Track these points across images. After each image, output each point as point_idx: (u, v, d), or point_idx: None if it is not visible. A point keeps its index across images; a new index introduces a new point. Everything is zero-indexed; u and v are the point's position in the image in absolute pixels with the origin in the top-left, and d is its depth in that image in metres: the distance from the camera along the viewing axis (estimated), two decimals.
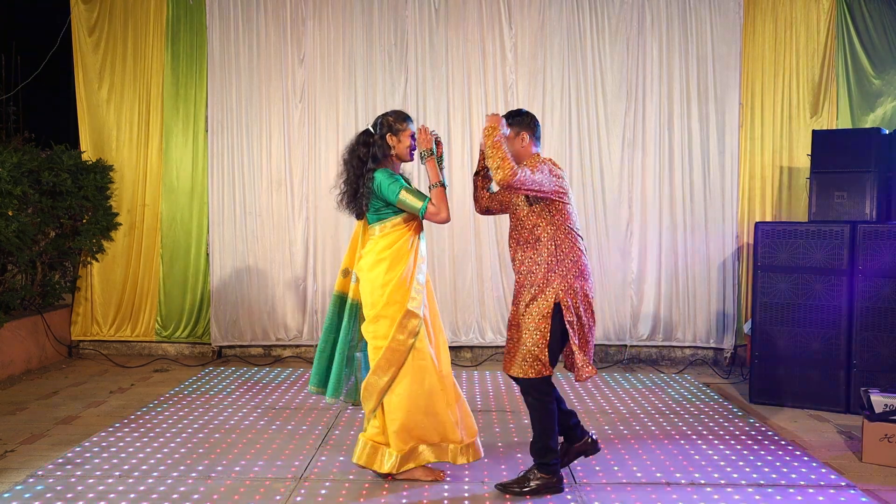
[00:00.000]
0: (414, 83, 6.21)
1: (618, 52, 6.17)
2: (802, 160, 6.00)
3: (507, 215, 3.53)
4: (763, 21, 6.12)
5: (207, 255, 6.34)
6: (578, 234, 3.38)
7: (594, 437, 3.61)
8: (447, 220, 3.40)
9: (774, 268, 4.88)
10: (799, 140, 6.07)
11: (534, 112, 6.18)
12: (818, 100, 6.09)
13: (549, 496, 3.38)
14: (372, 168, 3.41)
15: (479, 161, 3.63)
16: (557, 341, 3.32)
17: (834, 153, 5.09)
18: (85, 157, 6.31)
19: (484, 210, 3.70)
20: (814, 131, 5.30)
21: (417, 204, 3.34)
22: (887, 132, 5.22)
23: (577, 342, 3.29)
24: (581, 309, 3.31)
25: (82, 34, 6.36)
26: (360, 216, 3.51)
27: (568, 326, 3.28)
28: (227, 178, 6.29)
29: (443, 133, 6.20)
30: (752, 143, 6.14)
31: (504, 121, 3.34)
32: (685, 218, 6.15)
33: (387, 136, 3.45)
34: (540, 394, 3.35)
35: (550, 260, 3.30)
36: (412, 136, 3.47)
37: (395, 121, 3.47)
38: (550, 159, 3.43)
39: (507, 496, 3.38)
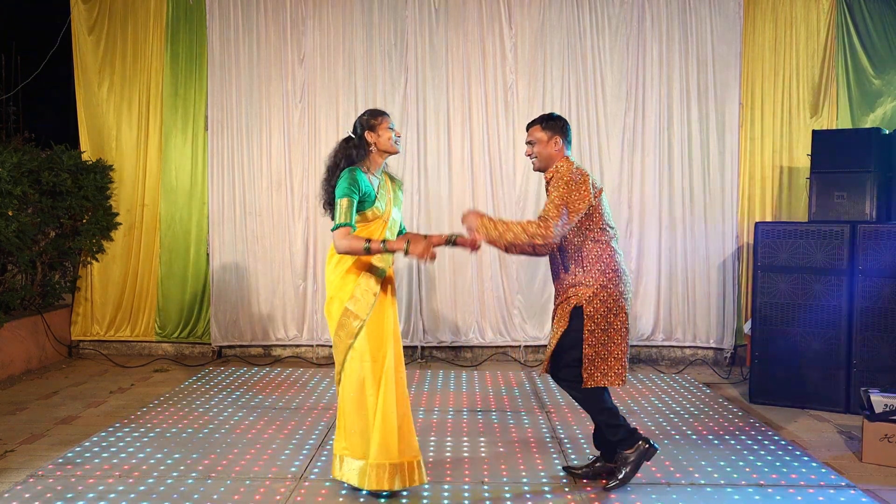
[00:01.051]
0: (414, 83, 6.21)
1: (618, 52, 6.17)
2: (802, 160, 6.00)
3: None
4: (763, 21, 6.12)
5: (207, 254, 6.34)
6: (611, 235, 3.36)
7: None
8: (338, 250, 3.26)
9: (774, 268, 4.88)
10: (799, 140, 6.07)
11: (534, 112, 6.24)
12: (818, 100, 6.09)
13: (647, 462, 3.45)
14: (343, 167, 3.37)
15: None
16: (577, 347, 3.32)
17: (834, 153, 5.09)
18: (85, 157, 6.32)
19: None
20: (814, 131, 5.30)
21: (337, 219, 3.25)
22: (887, 132, 5.21)
23: (588, 352, 3.29)
24: (610, 315, 3.30)
25: (82, 34, 6.36)
26: None
27: (587, 334, 3.29)
28: (227, 178, 6.29)
29: (442, 133, 6.21)
30: (752, 143, 6.14)
31: (480, 218, 3.25)
32: (685, 218, 6.15)
33: (365, 133, 3.41)
34: (582, 389, 3.33)
35: (577, 270, 3.32)
36: (390, 128, 3.43)
37: (369, 118, 3.42)
38: (578, 168, 3.35)
39: (610, 493, 3.40)
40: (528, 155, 3.48)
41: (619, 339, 3.32)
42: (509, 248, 3.25)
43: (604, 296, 3.29)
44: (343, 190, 3.27)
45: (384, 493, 3.35)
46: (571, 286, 3.34)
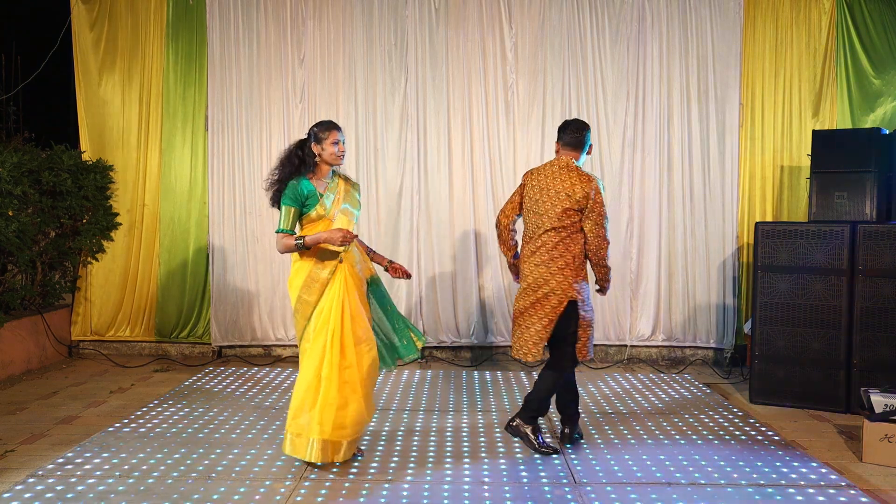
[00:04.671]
0: (414, 83, 6.21)
1: (618, 52, 6.17)
2: (802, 160, 6.01)
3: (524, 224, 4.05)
4: (763, 21, 6.12)
5: (207, 255, 6.34)
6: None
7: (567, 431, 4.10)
8: (279, 250, 3.71)
9: (774, 268, 4.88)
10: (799, 140, 6.07)
11: (534, 112, 6.25)
12: (818, 100, 6.09)
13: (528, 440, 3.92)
14: (294, 174, 3.70)
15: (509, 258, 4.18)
16: (562, 330, 3.86)
17: (834, 153, 5.10)
18: (85, 157, 6.32)
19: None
20: (814, 131, 5.30)
21: (280, 224, 3.66)
22: (887, 132, 5.22)
23: (584, 333, 3.87)
24: (588, 304, 3.89)
25: (82, 34, 6.36)
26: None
27: (581, 320, 3.84)
28: (227, 178, 6.30)
29: (443, 133, 6.21)
30: (752, 143, 6.14)
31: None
32: (685, 218, 6.15)
33: (311, 145, 3.74)
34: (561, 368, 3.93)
35: (567, 270, 3.80)
36: (335, 143, 3.72)
37: (319, 130, 3.74)
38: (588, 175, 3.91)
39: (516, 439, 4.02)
40: None
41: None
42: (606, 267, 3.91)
43: (584, 287, 3.90)
44: (285, 200, 3.67)
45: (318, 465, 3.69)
46: (565, 280, 3.80)
